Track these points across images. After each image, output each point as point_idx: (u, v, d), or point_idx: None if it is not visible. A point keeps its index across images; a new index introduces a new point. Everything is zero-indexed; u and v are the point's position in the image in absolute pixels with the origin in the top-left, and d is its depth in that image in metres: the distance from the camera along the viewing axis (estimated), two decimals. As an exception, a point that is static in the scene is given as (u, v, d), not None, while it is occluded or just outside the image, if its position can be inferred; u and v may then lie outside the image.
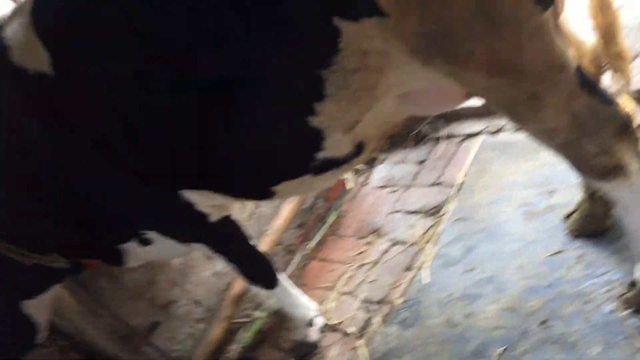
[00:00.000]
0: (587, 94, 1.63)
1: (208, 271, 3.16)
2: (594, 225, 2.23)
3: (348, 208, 3.52)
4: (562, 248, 2.29)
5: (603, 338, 1.91)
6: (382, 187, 3.46)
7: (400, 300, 2.65)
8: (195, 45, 1.75)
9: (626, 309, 1.94)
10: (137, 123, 1.99)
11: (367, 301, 2.80)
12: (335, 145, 1.95)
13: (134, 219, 2.40)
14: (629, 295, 1.94)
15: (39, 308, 2.50)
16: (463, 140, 3.25)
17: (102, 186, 2.23)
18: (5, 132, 2.14)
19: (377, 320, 2.66)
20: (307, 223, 3.50)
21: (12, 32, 2.03)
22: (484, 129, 3.17)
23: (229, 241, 2.63)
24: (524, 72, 1.56)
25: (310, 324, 2.84)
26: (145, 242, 2.47)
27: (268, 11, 1.61)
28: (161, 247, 2.51)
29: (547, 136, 1.72)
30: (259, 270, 2.73)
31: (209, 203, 2.37)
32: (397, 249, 2.95)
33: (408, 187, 3.28)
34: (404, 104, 1.94)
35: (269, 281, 2.74)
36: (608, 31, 1.77)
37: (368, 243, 3.14)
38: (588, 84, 1.64)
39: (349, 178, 3.66)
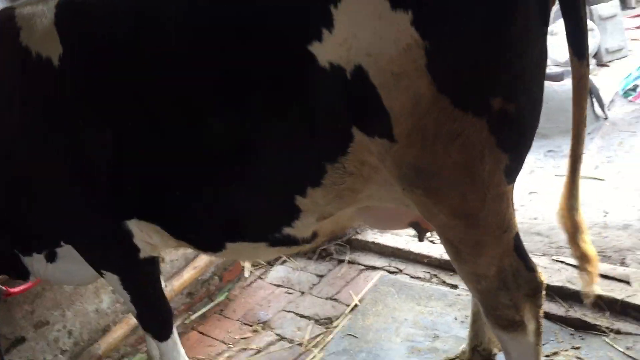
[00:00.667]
0: (516, 256, 2.02)
1: (92, 305, 3.09)
2: (469, 374, 2.60)
3: (239, 294, 3.66)
4: (437, 385, 2.62)
5: None
6: (278, 285, 3.66)
7: (279, 391, 2.79)
8: (220, 97, 1.96)
9: None
10: (126, 137, 2.11)
11: (245, 382, 2.90)
12: (303, 227, 2.17)
13: (61, 226, 2.39)
14: None
15: None
16: (364, 270, 3.60)
17: (49, 186, 2.27)
18: None
19: (252, 402, 2.76)
20: (196, 294, 3.57)
21: (28, 18, 2.16)
22: (385, 266, 3.57)
23: (146, 282, 2.62)
24: (479, 222, 1.91)
25: None
26: (51, 258, 2.48)
27: (300, 98, 1.87)
28: (65, 268, 2.51)
29: (475, 279, 2.04)
30: (159, 319, 2.69)
31: (147, 239, 2.42)
32: (283, 344, 3.13)
33: (303, 293, 3.53)
34: (360, 212, 2.24)
35: (164, 332, 2.70)
36: (574, 234, 2.08)
37: (254, 331, 3.28)
38: (520, 249, 2.03)
39: (247, 266, 3.82)
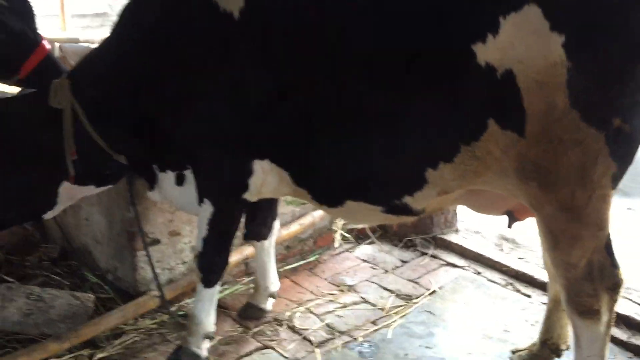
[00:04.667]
0: (605, 253, 2.31)
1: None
2: (535, 364, 2.93)
3: (327, 259, 4.06)
4: (505, 367, 2.97)
5: None
6: (364, 260, 4.06)
7: (362, 339, 3.17)
8: (385, 71, 2.29)
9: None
10: (286, 86, 2.45)
11: (331, 327, 3.29)
12: (421, 198, 2.45)
13: (199, 148, 2.68)
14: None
15: (67, 195, 2.87)
16: (444, 265, 3.98)
17: (205, 112, 2.59)
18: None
19: (337, 343, 3.14)
20: (292, 249, 3.99)
21: None
22: (464, 266, 3.93)
23: (230, 224, 2.84)
24: (582, 217, 2.23)
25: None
26: (180, 180, 2.83)
27: (453, 86, 2.19)
28: (186, 193, 2.83)
29: (566, 267, 2.33)
30: (218, 265, 2.86)
31: (262, 182, 2.68)
32: (366, 306, 3.51)
33: (387, 271, 3.91)
34: (467, 195, 2.53)
35: (213, 279, 2.86)
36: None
37: (340, 290, 3.67)
38: (609, 247, 2.32)
39: (338, 238, 4.24)
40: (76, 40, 5.22)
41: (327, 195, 2.69)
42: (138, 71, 2.68)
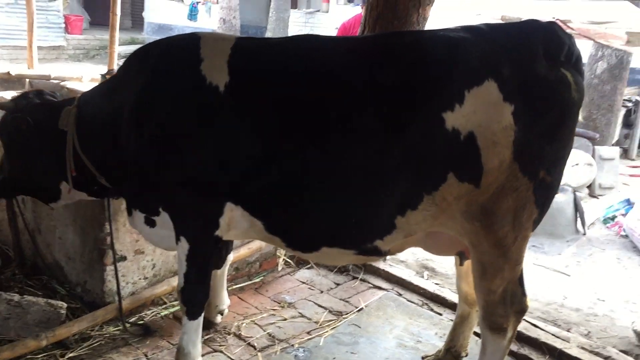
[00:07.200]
0: (518, 284, 2.85)
1: (174, 252, 4.04)
2: (440, 366, 3.56)
3: (271, 281, 4.62)
4: (415, 369, 3.59)
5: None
6: (303, 282, 4.64)
7: (297, 345, 3.74)
8: (359, 131, 2.60)
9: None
10: (263, 145, 2.70)
11: (272, 335, 3.84)
12: (390, 241, 2.76)
13: (177, 194, 2.90)
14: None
15: (67, 194, 3.33)
16: (372, 287, 4.61)
17: (188, 165, 2.83)
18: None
19: (276, 348, 3.70)
20: (240, 270, 4.54)
21: (209, 52, 2.84)
22: (389, 288, 4.57)
23: (206, 260, 3.08)
24: (507, 253, 2.73)
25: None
26: (149, 222, 3.09)
27: (422, 145, 2.55)
28: (159, 233, 3.13)
29: (487, 292, 2.78)
30: (198, 298, 3.11)
31: (231, 223, 2.91)
32: (303, 319, 4.08)
33: (322, 292, 4.50)
34: (426, 237, 2.91)
35: (196, 312, 3.12)
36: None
37: (281, 307, 4.23)
38: (521, 279, 2.83)
39: (281, 262, 4.82)
40: (47, 77, 5.70)
41: (303, 243, 2.95)
42: (125, 123, 2.94)
